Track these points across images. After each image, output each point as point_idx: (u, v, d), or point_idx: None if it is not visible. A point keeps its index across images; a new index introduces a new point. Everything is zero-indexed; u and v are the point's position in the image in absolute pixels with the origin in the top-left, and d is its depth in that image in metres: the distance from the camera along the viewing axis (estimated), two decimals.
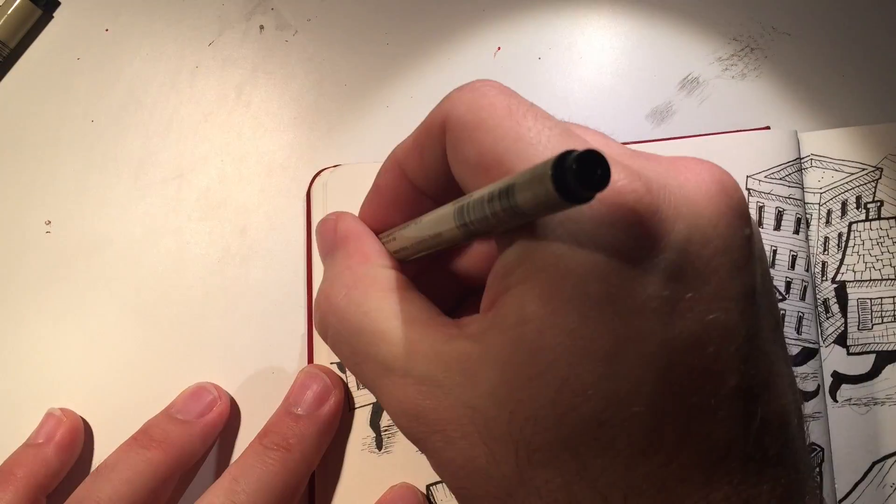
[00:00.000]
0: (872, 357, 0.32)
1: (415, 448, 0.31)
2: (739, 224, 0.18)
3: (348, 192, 0.34)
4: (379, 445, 0.32)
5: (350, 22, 0.38)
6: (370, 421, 0.32)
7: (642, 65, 0.36)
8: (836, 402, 0.31)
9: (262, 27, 0.38)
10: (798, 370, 0.31)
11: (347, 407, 0.32)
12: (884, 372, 0.32)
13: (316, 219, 0.34)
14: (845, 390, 0.32)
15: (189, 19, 0.39)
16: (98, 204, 0.37)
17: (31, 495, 0.30)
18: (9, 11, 0.38)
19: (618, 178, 0.16)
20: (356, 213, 0.34)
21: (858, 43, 0.36)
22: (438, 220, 0.20)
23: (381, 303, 0.21)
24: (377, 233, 0.25)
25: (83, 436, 0.33)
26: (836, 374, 0.32)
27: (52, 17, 0.39)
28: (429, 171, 0.22)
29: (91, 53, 0.39)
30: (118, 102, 0.38)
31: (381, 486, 0.31)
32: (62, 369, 0.35)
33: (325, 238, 0.25)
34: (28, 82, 0.38)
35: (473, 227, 0.18)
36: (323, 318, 0.22)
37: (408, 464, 0.31)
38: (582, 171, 0.14)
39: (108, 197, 0.37)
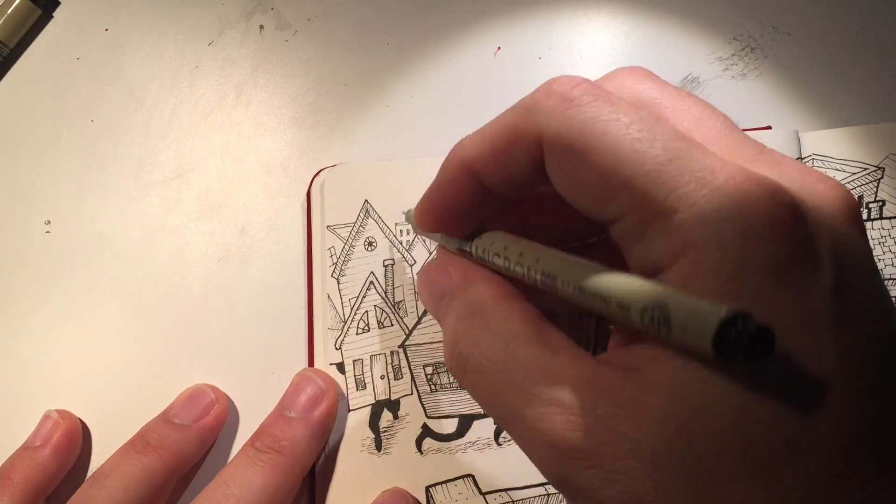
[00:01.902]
0: None
1: (414, 449, 0.31)
2: (866, 237, 0.18)
3: (346, 191, 0.34)
4: (378, 447, 0.32)
5: (350, 22, 0.38)
6: (369, 422, 0.32)
7: (642, 64, 0.36)
8: None
9: (262, 27, 0.38)
10: None
11: (347, 408, 0.32)
12: None
13: (316, 219, 0.34)
14: None
15: (189, 19, 0.39)
16: (98, 204, 0.37)
17: (28, 499, 0.30)
18: (9, 11, 0.38)
19: (762, 194, 0.16)
20: (356, 208, 0.34)
21: (858, 43, 0.36)
22: (618, 301, 0.18)
23: (522, 332, 0.20)
24: (438, 230, 0.24)
25: (81, 438, 0.33)
26: None
27: (52, 17, 0.39)
28: (512, 179, 0.21)
29: (91, 53, 0.39)
30: (118, 102, 0.38)
31: (380, 487, 0.31)
32: (62, 369, 0.35)
33: (437, 281, 0.24)
34: (28, 82, 0.38)
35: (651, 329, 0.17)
36: (463, 356, 0.21)
37: (407, 465, 0.31)
38: (749, 345, 0.14)
39: (108, 197, 0.37)
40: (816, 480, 0.15)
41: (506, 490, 0.31)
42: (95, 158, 0.37)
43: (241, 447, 0.31)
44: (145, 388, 0.34)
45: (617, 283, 0.17)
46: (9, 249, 0.36)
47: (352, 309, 0.33)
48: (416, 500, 0.31)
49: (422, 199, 0.24)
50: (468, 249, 0.24)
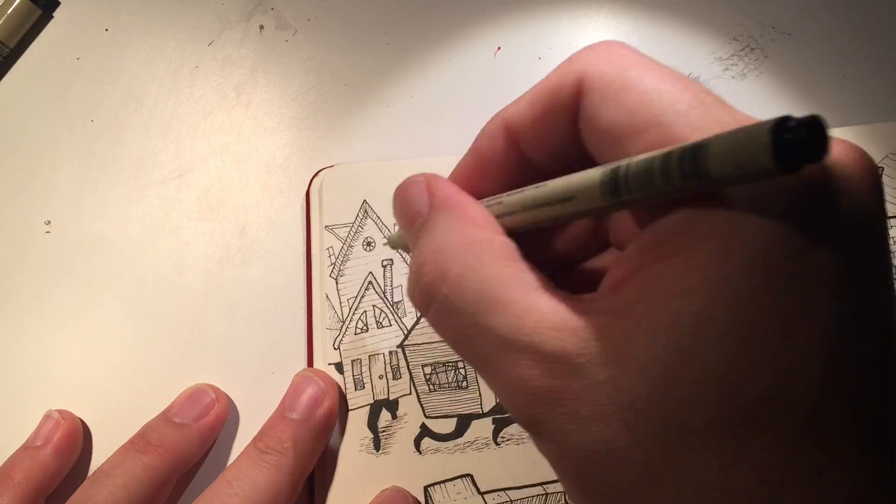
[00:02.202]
0: None
1: (412, 449, 0.31)
2: (882, 198, 0.17)
3: (345, 191, 0.34)
4: (377, 446, 0.32)
5: (350, 22, 0.38)
6: (368, 422, 0.32)
7: None
8: None
9: (262, 27, 0.38)
10: None
11: (345, 407, 0.32)
12: None
13: (315, 219, 0.34)
14: None
15: (189, 19, 0.39)
16: (98, 204, 0.37)
17: (29, 498, 0.30)
18: (9, 11, 0.38)
19: None
20: (354, 209, 0.34)
21: (858, 43, 0.36)
22: (576, 188, 0.18)
23: (502, 271, 0.19)
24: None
25: (82, 437, 0.33)
26: None
27: (52, 17, 0.39)
28: (550, 141, 0.20)
29: (91, 53, 0.39)
30: (118, 102, 0.38)
31: (379, 486, 0.31)
32: (62, 369, 0.35)
33: (416, 199, 0.22)
34: (28, 82, 0.38)
35: (628, 197, 0.16)
36: (429, 286, 0.20)
37: (405, 464, 0.31)
38: (806, 138, 0.13)
39: (108, 197, 0.37)
40: (785, 435, 0.15)
41: (504, 490, 0.31)
42: (95, 158, 0.37)
43: (241, 447, 0.31)
44: (145, 388, 0.34)
45: (646, 157, 0.16)
46: (9, 249, 0.36)
47: (350, 309, 0.33)
48: (416, 498, 0.31)
49: (455, 168, 0.23)
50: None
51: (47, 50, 0.39)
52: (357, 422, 0.32)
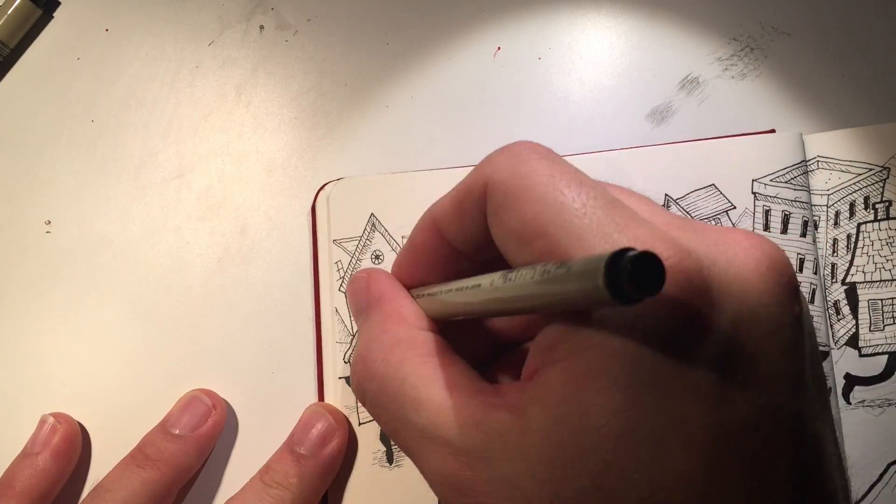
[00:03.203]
0: (885, 358, 0.32)
1: None
2: (790, 303, 0.17)
3: (352, 205, 0.34)
4: (390, 459, 0.32)
5: (350, 22, 0.38)
6: (380, 435, 0.32)
7: (642, 65, 0.36)
8: (850, 404, 0.31)
9: (262, 27, 0.38)
10: None
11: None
12: None
13: (322, 233, 0.34)
14: (858, 392, 0.31)
15: (189, 19, 0.39)
16: (98, 204, 0.37)
17: None
18: (9, 11, 0.38)
19: (668, 254, 0.16)
20: (362, 222, 0.34)
21: (858, 43, 0.36)
22: (482, 290, 0.19)
23: (421, 368, 0.21)
24: (412, 289, 0.24)
25: (80, 440, 0.33)
26: (848, 377, 0.32)
27: (52, 17, 0.39)
28: (468, 233, 0.21)
29: (91, 53, 0.39)
30: (118, 102, 0.38)
31: (392, 499, 0.31)
32: (62, 369, 0.35)
33: (358, 297, 0.25)
34: (28, 82, 0.38)
35: (516, 305, 0.18)
36: (360, 383, 0.22)
37: (418, 477, 0.31)
38: (637, 273, 0.14)
39: (108, 197, 0.37)
40: None
41: None
42: (95, 158, 0.37)
43: (240, 451, 0.31)
44: (146, 389, 0.34)
45: (526, 271, 0.18)
46: (9, 249, 0.36)
47: None
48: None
49: (397, 257, 0.25)
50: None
51: (47, 50, 0.39)
52: (370, 435, 0.32)
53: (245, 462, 0.33)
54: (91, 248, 0.36)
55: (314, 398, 0.33)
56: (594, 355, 0.17)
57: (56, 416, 0.33)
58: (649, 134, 0.35)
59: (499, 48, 0.37)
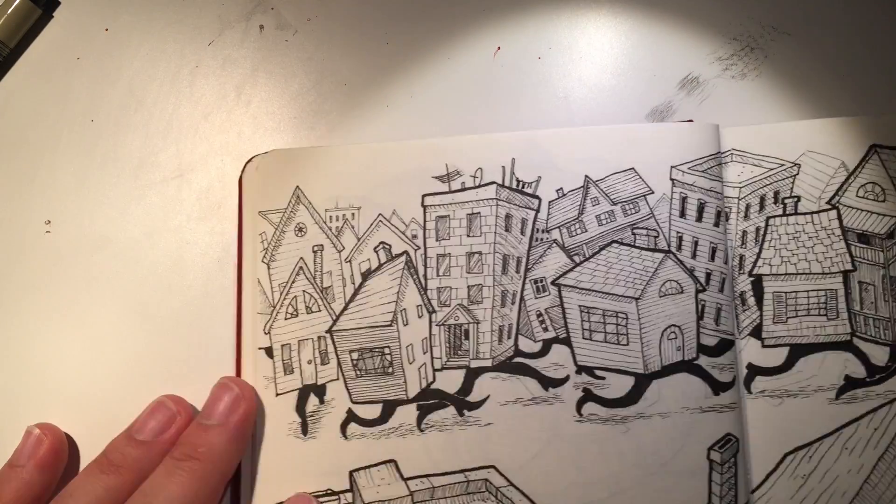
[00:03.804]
0: (786, 350, 0.32)
1: (339, 434, 0.32)
2: None
3: (278, 177, 0.35)
4: (304, 431, 0.32)
5: (350, 22, 0.38)
6: (296, 406, 0.33)
7: (642, 65, 0.36)
8: (751, 393, 0.32)
9: (262, 27, 0.38)
10: (715, 361, 0.32)
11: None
12: (797, 364, 0.32)
13: (247, 204, 0.35)
14: (760, 382, 0.32)
15: (189, 19, 0.39)
16: (98, 204, 0.37)
17: None
18: (8, 11, 0.38)
19: None
20: (287, 194, 0.34)
21: (858, 43, 0.36)
22: None
23: None
24: None
25: (66, 451, 0.33)
26: (750, 366, 0.32)
27: (52, 17, 0.39)
28: None
29: (91, 53, 0.39)
30: (118, 102, 0.38)
31: (305, 470, 0.32)
32: (62, 368, 0.35)
33: None
34: (28, 82, 0.38)
35: None
36: None
37: (332, 449, 0.32)
38: None
39: (108, 197, 0.37)
40: None
41: (427, 476, 0.32)
42: (95, 158, 0.37)
43: None
44: (146, 388, 0.34)
45: None
46: (9, 249, 0.36)
47: (281, 294, 0.34)
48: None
49: None
50: None
51: (47, 50, 0.39)
52: (285, 406, 0.32)
53: None
54: (91, 247, 0.36)
55: (232, 369, 0.33)
56: None
57: (42, 427, 0.33)
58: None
59: (499, 48, 0.37)
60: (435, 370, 0.32)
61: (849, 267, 0.33)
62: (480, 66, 0.37)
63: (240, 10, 0.39)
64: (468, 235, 0.33)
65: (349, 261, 0.34)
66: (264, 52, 0.38)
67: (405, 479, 0.31)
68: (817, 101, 0.35)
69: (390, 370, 0.33)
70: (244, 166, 0.35)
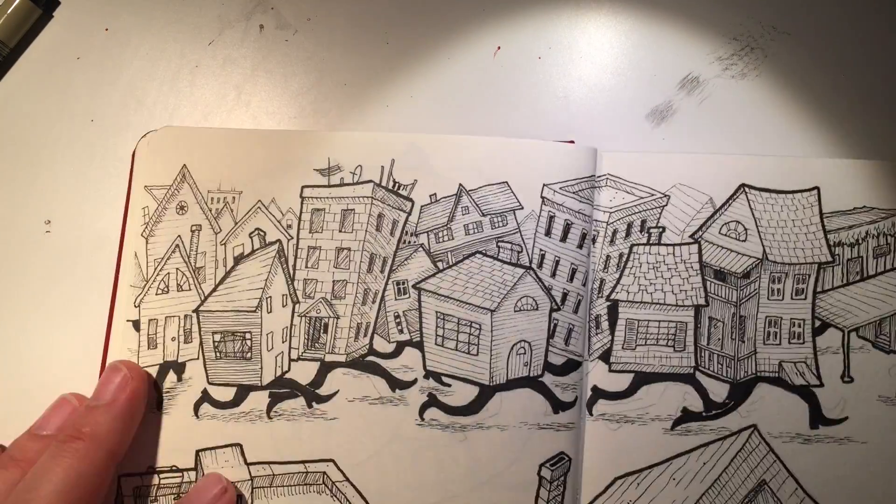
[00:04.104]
0: (631, 376, 0.33)
1: (191, 412, 0.33)
2: None
3: (167, 154, 0.35)
4: (158, 406, 0.33)
5: (350, 22, 0.38)
6: (154, 381, 0.33)
7: (642, 65, 0.36)
8: (592, 415, 0.32)
9: (262, 27, 0.38)
10: (560, 380, 0.32)
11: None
12: (639, 391, 0.33)
13: (136, 178, 0.35)
14: (602, 405, 0.32)
15: (189, 19, 0.39)
16: (98, 204, 0.37)
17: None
18: (8, 11, 0.38)
19: None
20: (174, 172, 0.34)
21: (858, 43, 0.36)
22: None
23: None
24: None
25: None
26: (595, 389, 0.33)
27: (52, 17, 0.39)
28: None
29: (91, 53, 0.39)
30: (118, 102, 0.38)
31: (154, 444, 0.32)
32: (62, 368, 0.35)
33: None
34: (28, 82, 0.38)
35: None
36: None
37: (183, 426, 0.32)
38: None
39: (108, 197, 0.37)
40: None
41: (269, 463, 0.32)
42: (95, 158, 0.37)
43: None
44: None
45: None
46: (9, 249, 0.36)
47: (155, 269, 0.34)
48: (232, 484, 0.31)
49: None
50: None
51: (47, 50, 0.39)
52: None
53: None
54: (91, 247, 0.36)
55: (102, 340, 0.34)
56: None
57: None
58: (649, 134, 0.36)
59: (499, 48, 0.37)
60: (291, 360, 0.33)
61: (702, 302, 0.33)
62: (480, 66, 0.37)
63: (240, 10, 0.39)
64: (340, 230, 0.34)
65: (224, 244, 0.34)
66: (264, 51, 0.38)
67: (248, 464, 0.32)
68: (817, 102, 0.35)
69: (249, 355, 0.33)
70: (138, 141, 0.35)
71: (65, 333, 0.35)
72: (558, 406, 0.32)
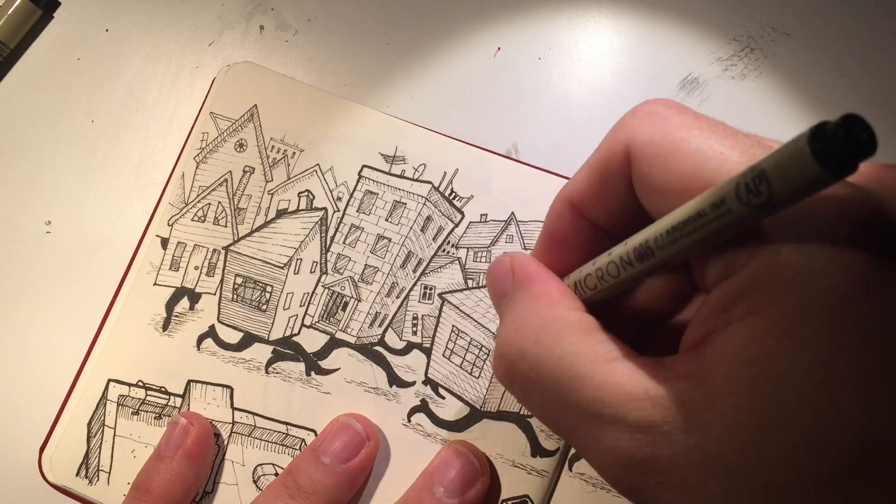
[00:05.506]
0: None
1: (193, 343, 0.33)
2: None
3: (243, 89, 0.35)
4: (165, 327, 0.33)
5: (350, 22, 0.38)
6: (167, 302, 0.33)
7: (642, 65, 0.36)
8: (571, 471, 0.31)
9: (262, 27, 0.38)
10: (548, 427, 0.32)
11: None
12: None
13: (208, 102, 0.35)
14: (583, 464, 0.31)
15: (189, 19, 0.39)
16: (98, 204, 0.37)
17: None
18: (9, 12, 0.38)
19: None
20: (243, 108, 0.34)
21: (858, 43, 0.36)
22: (667, 219, 0.18)
23: (578, 346, 0.19)
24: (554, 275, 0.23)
25: (213, 440, 0.32)
26: None
27: (52, 17, 0.39)
28: (612, 206, 0.21)
29: (91, 53, 0.39)
30: (118, 102, 0.38)
31: (151, 361, 0.33)
32: (61, 369, 0.35)
33: (501, 281, 0.23)
34: (28, 82, 0.38)
35: (689, 242, 0.17)
36: (511, 366, 0.20)
37: (181, 353, 0.33)
38: (848, 138, 0.13)
39: (108, 197, 0.37)
40: (889, 484, 0.15)
41: (253, 413, 0.32)
42: (95, 158, 0.37)
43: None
44: None
45: (704, 195, 0.16)
46: (9, 249, 0.36)
47: (198, 195, 0.34)
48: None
49: (535, 247, 0.24)
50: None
51: (47, 50, 0.39)
52: (157, 298, 0.34)
53: None
54: (91, 248, 0.36)
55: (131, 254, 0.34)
56: (789, 305, 0.16)
57: (187, 416, 0.32)
58: None
59: (499, 48, 0.37)
60: (303, 325, 0.33)
61: None
62: (480, 67, 0.37)
63: (240, 11, 0.39)
64: (386, 219, 0.34)
65: (272, 194, 0.34)
66: (264, 52, 0.38)
67: (233, 409, 0.32)
68: (817, 102, 0.35)
69: (264, 308, 0.33)
70: (222, 69, 0.36)
71: (65, 335, 0.35)
72: (538, 450, 0.31)
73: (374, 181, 0.34)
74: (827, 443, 0.15)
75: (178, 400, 0.32)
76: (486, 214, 0.34)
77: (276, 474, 0.31)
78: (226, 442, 0.32)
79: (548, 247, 0.23)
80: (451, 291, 0.33)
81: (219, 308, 0.33)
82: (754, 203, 0.15)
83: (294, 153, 0.34)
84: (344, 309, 0.33)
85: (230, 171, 0.34)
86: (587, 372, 0.18)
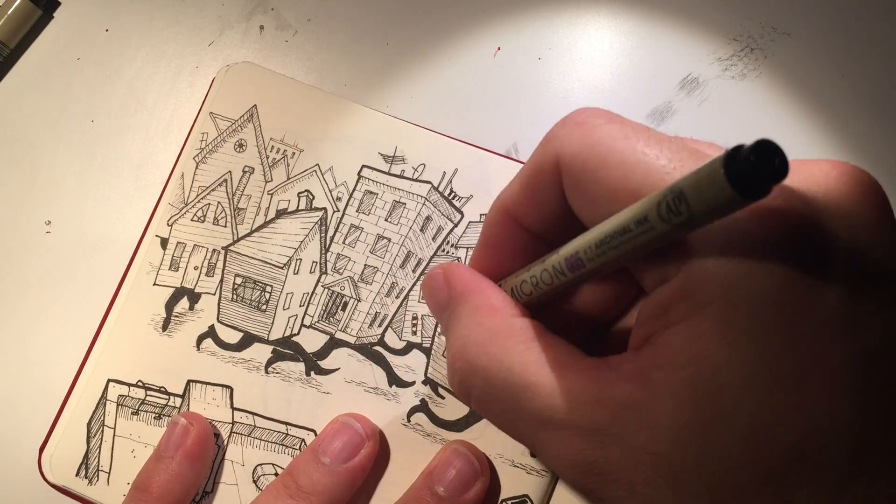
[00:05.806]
0: None
1: (193, 343, 0.33)
2: (889, 215, 0.17)
3: (243, 89, 0.35)
4: (164, 327, 0.33)
5: (350, 22, 0.38)
6: (167, 302, 0.33)
7: (642, 65, 0.36)
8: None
9: (262, 27, 0.38)
10: None
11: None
12: None
13: (207, 102, 0.35)
14: None
15: (189, 19, 0.39)
16: (98, 204, 0.37)
17: None
18: (9, 12, 0.38)
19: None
20: (243, 108, 0.34)
21: (858, 43, 0.36)
22: (592, 233, 0.19)
23: (524, 355, 0.20)
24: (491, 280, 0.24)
25: (213, 440, 0.32)
26: None
27: (52, 17, 0.39)
28: (545, 213, 0.21)
29: (91, 53, 0.39)
30: (118, 102, 0.38)
31: (150, 362, 0.33)
32: (61, 370, 0.35)
33: (438, 294, 0.23)
34: (28, 82, 0.38)
35: (616, 255, 0.17)
36: (463, 380, 0.21)
37: (180, 353, 0.33)
38: (759, 163, 0.14)
39: (108, 197, 0.37)
40: (826, 482, 0.16)
41: (253, 413, 0.32)
42: (95, 158, 0.37)
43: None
44: None
45: (629, 210, 0.17)
46: (9, 249, 0.36)
47: (197, 195, 0.34)
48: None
49: (473, 253, 0.24)
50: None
51: (47, 50, 0.39)
52: (157, 298, 0.34)
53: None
54: (91, 248, 0.36)
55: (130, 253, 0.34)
56: (718, 309, 0.16)
57: (187, 416, 0.32)
58: None
59: (499, 48, 0.37)
60: (303, 325, 0.33)
61: None
62: (480, 67, 0.37)
63: (240, 11, 0.39)
64: (386, 219, 0.34)
65: (272, 194, 0.34)
66: (264, 52, 0.38)
67: (233, 409, 0.32)
68: (817, 102, 0.35)
69: (264, 308, 0.33)
70: (221, 68, 0.36)
71: (64, 334, 0.35)
72: None
73: (373, 181, 0.34)
74: (764, 441, 0.16)
75: (178, 400, 0.32)
76: (486, 214, 0.34)
77: (276, 474, 0.31)
78: (226, 442, 0.32)
79: (485, 253, 0.24)
80: None
81: (218, 308, 0.33)
82: (675, 222, 0.15)
83: (294, 153, 0.34)
84: (344, 309, 0.33)
85: (230, 172, 0.34)
86: (537, 380, 0.19)
